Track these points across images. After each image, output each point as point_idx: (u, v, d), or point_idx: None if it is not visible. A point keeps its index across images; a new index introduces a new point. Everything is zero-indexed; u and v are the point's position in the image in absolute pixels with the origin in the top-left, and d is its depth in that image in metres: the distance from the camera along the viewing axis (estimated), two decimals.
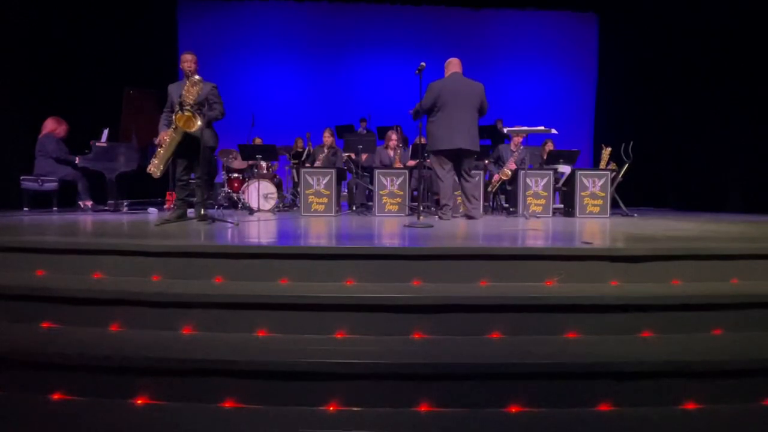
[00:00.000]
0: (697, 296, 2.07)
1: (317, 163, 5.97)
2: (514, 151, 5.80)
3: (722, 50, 6.58)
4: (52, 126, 5.33)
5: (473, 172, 4.55)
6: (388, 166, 5.81)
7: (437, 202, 5.93)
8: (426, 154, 5.92)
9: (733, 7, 6.37)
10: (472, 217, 4.43)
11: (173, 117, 3.62)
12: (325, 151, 6.11)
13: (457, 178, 4.51)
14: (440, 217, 4.44)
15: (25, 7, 6.00)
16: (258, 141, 6.74)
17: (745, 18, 6.22)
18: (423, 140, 4.65)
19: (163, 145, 3.70)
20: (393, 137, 6.02)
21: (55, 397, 1.74)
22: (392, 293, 2.02)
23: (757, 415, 1.69)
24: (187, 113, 3.55)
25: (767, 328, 2.05)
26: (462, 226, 3.75)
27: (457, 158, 4.39)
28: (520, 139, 5.75)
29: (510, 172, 5.68)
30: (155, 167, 3.70)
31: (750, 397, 1.75)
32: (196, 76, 3.64)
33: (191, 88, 3.61)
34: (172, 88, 3.86)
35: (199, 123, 3.60)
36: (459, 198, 5.15)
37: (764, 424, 1.65)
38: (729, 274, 2.32)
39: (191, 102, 3.58)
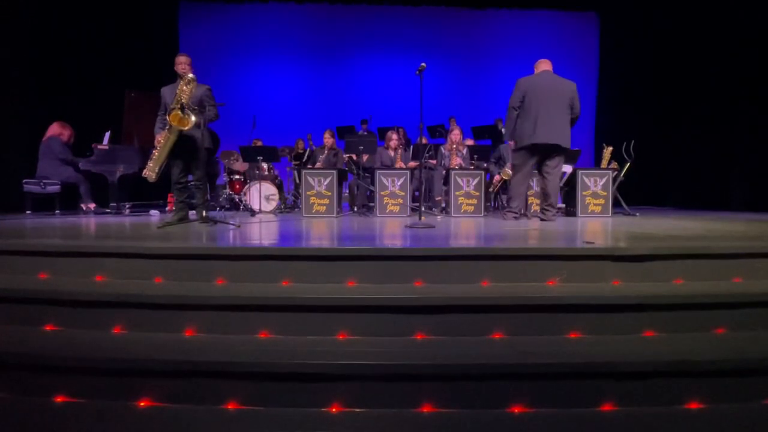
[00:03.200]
0: (700, 295, 2.07)
1: (317, 165, 5.97)
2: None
3: (723, 48, 6.56)
4: (57, 129, 5.36)
5: (554, 169, 4.28)
6: (389, 166, 5.82)
7: (440, 203, 5.94)
8: (427, 154, 5.94)
9: (734, 4, 6.36)
10: (543, 219, 4.29)
11: (167, 117, 3.62)
12: (326, 152, 6.11)
13: (540, 176, 4.39)
14: (504, 218, 4.37)
15: (26, 11, 6.03)
16: (258, 143, 6.75)
17: (746, 15, 6.21)
18: (425, 140, 4.64)
19: (158, 147, 3.69)
20: (393, 137, 6.02)
21: (58, 399, 1.75)
22: (394, 294, 2.03)
23: (761, 415, 1.69)
24: (179, 111, 3.55)
25: None
26: (463, 227, 3.75)
27: (541, 155, 4.23)
28: None
29: (511, 172, 5.67)
30: (150, 170, 3.69)
31: (753, 396, 1.74)
32: (190, 75, 3.64)
33: (185, 87, 3.60)
34: (165, 91, 3.85)
35: (193, 119, 3.58)
36: (462, 201, 5.15)
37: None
38: (731, 273, 2.32)
39: (186, 101, 3.58)
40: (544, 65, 4.37)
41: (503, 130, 6.44)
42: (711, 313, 2.04)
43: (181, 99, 3.57)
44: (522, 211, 4.48)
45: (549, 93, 4.13)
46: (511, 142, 4.47)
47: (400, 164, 5.84)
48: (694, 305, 2.03)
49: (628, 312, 2.01)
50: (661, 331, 2.01)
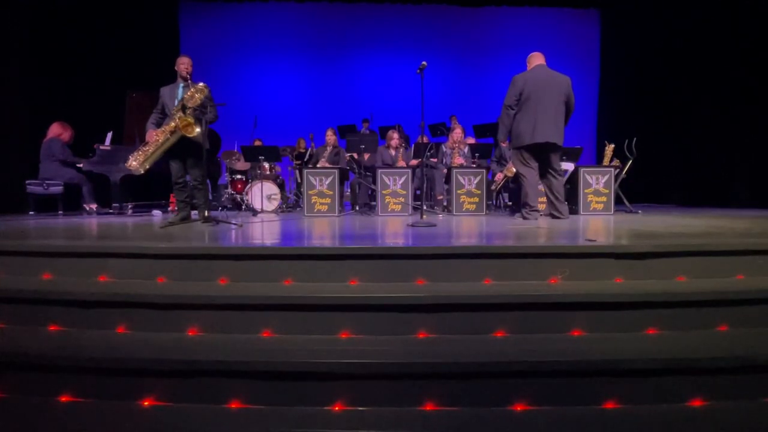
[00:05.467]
0: (703, 293, 2.06)
1: (323, 162, 5.96)
2: None
3: (725, 44, 6.53)
4: (57, 130, 5.38)
5: (558, 168, 4.23)
6: (390, 165, 5.82)
7: (443, 202, 5.94)
8: (429, 153, 5.93)
9: (736, 1, 6.33)
10: (558, 217, 4.18)
11: (176, 119, 3.62)
12: (329, 149, 6.11)
13: (544, 177, 4.24)
14: (524, 218, 4.18)
15: (27, 12, 6.04)
16: (258, 142, 6.74)
17: (748, 12, 6.18)
18: (425, 139, 4.61)
19: (152, 143, 3.66)
20: (394, 136, 6.02)
21: (63, 399, 1.76)
22: (396, 293, 2.03)
23: (764, 413, 1.68)
24: (190, 118, 3.57)
25: None
26: (465, 225, 3.75)
27: (542, 154, 4.12)
28: None
29: (515, 170, 5.66)
30: (138, 164, 3.63)
31: (756, 393, 1.74)
32: (201, 84, 3.66)
33: (196, 95, 3.62)
34: (164, 91, 3.85)
35: (198, 130, 3.61)
36: (464, 200, 5.15)
37: None
38: (734, 270, 2.31)
39: (192, 105, 3.60)
40: (537, 59, 4.23)
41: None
42: (714, 310, 2.03)
43: (190, 104, 3.58)
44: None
45: (546, 90, 4.02)
46: (505, 143, 4.36)
47: (401, 163, 5.84)
48: (696, 303, 2.03)
49: (631, 310, 2.01)
50: (664, 328, 2.00)
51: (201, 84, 3.66)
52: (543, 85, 4.03)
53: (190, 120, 3.59)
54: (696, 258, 2.30)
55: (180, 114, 3.59)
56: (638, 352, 1.79)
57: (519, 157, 4.20)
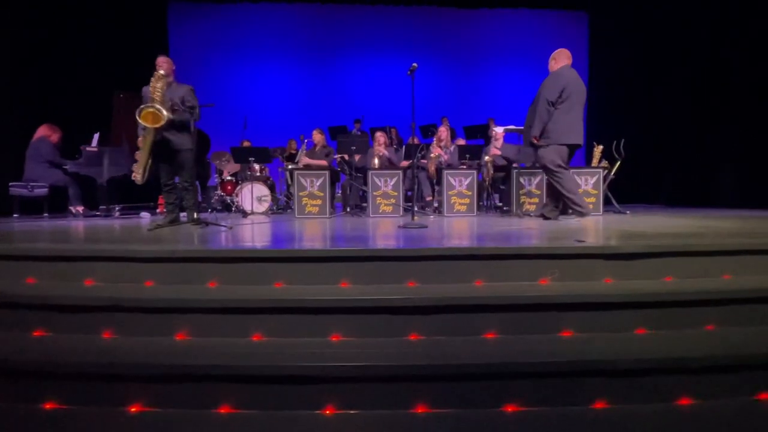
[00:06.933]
0: (690, 292, 2.09)
1: (303, 160, 5.95)
2: (497, 139, 5.88)
3: (712, 46, 6.64)
4: (46, 132, 5.30)
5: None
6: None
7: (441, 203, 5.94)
8: (419, 154, 5.92)
9: (723, 5, 6.44)
10: (548, 218, 4.18)
11: (137, 118, 3.52)
12: (316, 151, 6.09)
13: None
14: (581, 214, 4.01)
15: (15, 11, 5.95)
16: (246, 143, 6.68)
17: (735, 13, 6.29)
18: (416, 140, 4.60)
19: (141, 148, 3.62)
20: (382, 136, 6.03)
21: (48, 406, 1.72)
22: (387, 295, 2.02)
23: (751, 410, 1.71)
24: (149, 108, 3.47)
25: (759, 323, 2.07)
26: (456, 226, 3.76)
27: (569, 154, 4.08)
28: (502, 133, 5.84)
29: (499, 153, 5.75)
30: (136, 172, 3.63)
31: (743, 392, 1.76)
32: (160, 72, 3.57)
33: (156, 83, 3.52)
34: (146, 91, 3.74)
35: (165, 113, 3.48)
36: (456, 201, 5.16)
37: (758, 419, 1.67)
38: (721, 269, 2.34)
39: (158, 98, 3.51)
40: (566, 58, 4.11)
41: (495, 128, 6.46)
42: (701, 309, 2.06)
43: (155, 96, 3.50)
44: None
45: (581, 91, 4.01)
46: (537, 139, 4.11)
47: (382, 152, 5.79)
48: (684, 302, 2.05)
49: (620, 310, 2.02)
50: (653, 328, 2.03)
51: (160, 72, 3.58)
52: (579, 86, 4.01)
53: (149, 109, 3.47)
54: (683, 258, 2.33)
55: (142, 110, 3.49)
56: (627, 352, 1.80)
57: (558, 154, 4.01)
